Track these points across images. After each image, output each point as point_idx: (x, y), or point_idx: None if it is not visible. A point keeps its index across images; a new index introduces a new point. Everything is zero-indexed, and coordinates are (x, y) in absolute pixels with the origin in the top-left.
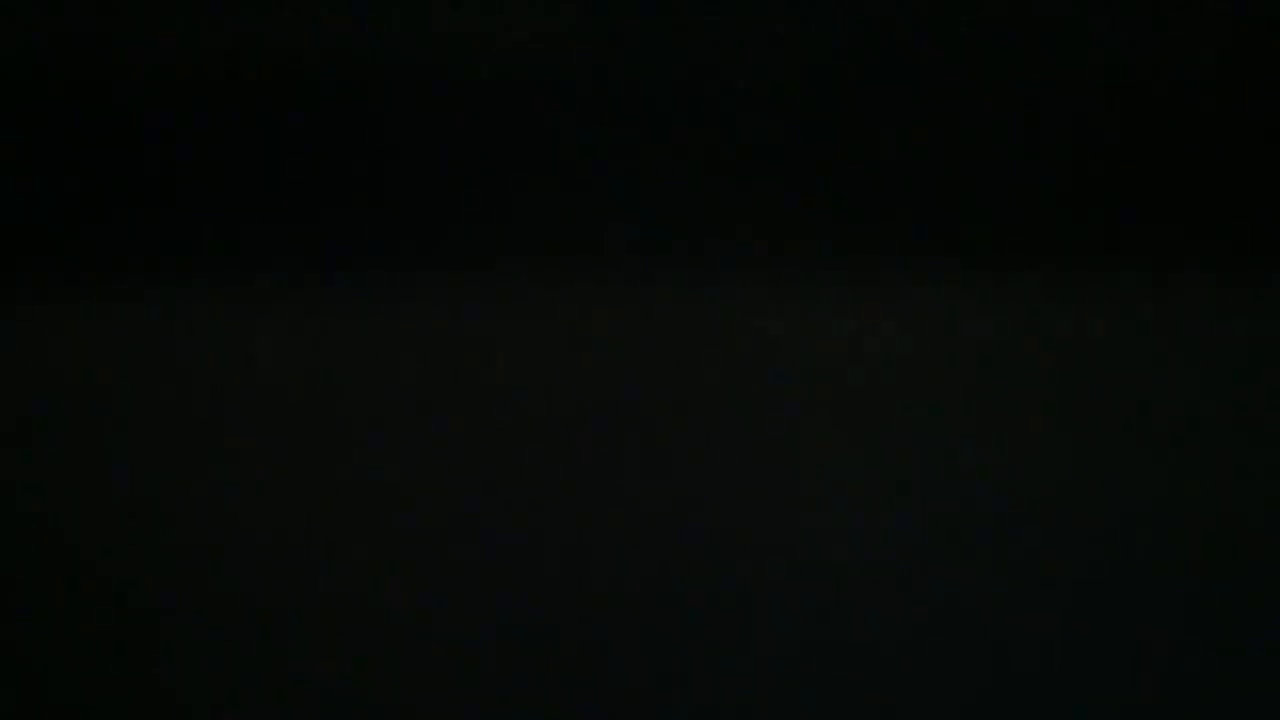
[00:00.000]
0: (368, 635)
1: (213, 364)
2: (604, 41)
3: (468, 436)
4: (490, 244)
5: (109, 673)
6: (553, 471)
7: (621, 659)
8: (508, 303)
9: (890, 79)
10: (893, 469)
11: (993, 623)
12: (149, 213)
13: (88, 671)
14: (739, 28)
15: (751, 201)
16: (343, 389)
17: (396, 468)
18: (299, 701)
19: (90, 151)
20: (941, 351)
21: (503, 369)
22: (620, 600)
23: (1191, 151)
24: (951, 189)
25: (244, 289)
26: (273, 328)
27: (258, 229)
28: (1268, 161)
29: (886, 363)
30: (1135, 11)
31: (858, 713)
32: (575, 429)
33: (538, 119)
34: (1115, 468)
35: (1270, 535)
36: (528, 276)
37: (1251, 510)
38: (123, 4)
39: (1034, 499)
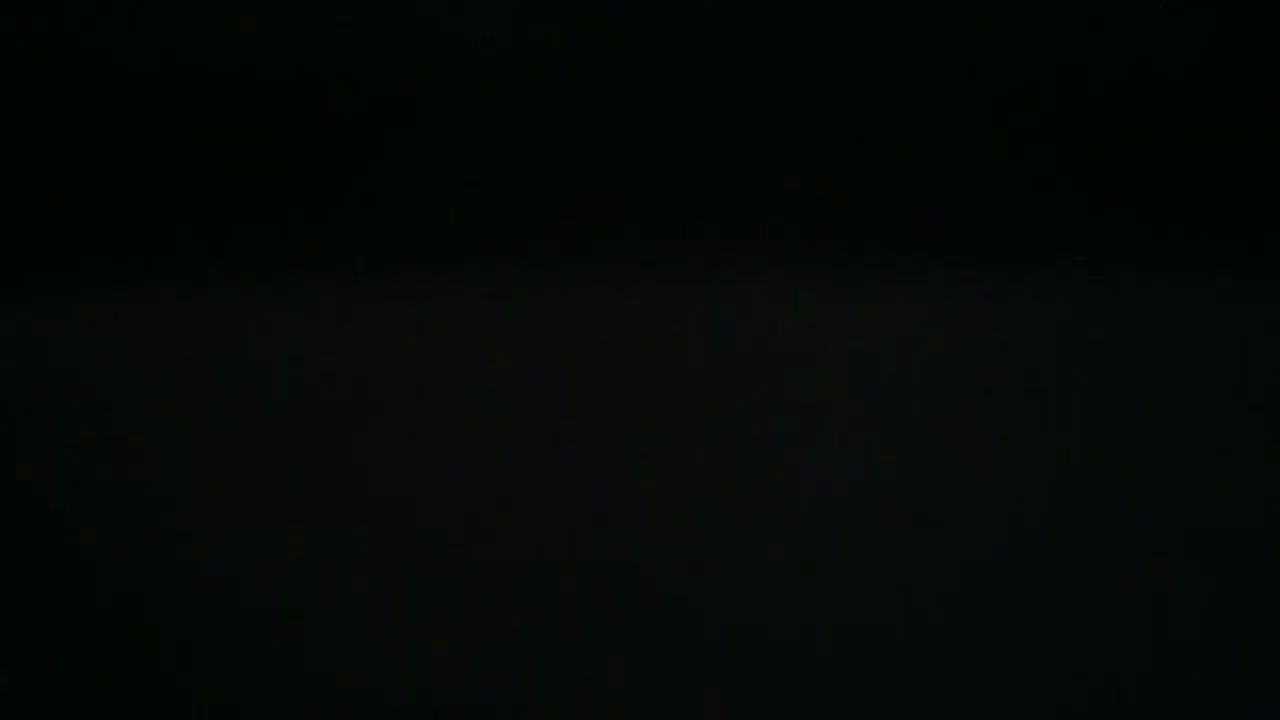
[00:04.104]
0: (365, 633)
1: (213, 364)
2: (605, 43)
3: (469, 435)
4: (491, 243)
5: (112, 672)
6: (554, 470)
7: (622, 658)
8: (508, 302)
9: (890, 79)
10: (893, 467)
11: (996, 620)
12: (148, 212)
13: (89, 671)
14: (739, 28)
15: (752, 201)
16: (344, 388)
17: (398, 468)
18: (303, 700)
19: (89, 151)
20: (942, 349)
21: (504, 368)
22: (619, 598)
23: (1192, 150)
24: (952, 188)
25: (244, 289)
26: (273, 327)
27: (258, 229)
28: (1268, 160)
29: (886, 362)
30: (1135, 10)
31: (860, 709)
32: (576, 426)
33: (538, 119)
34: (1116, 465)
35: (1271, 532)
36: (528, 276)
37: (1253, 506)
38: (124, 4)
39: (1034, 496)
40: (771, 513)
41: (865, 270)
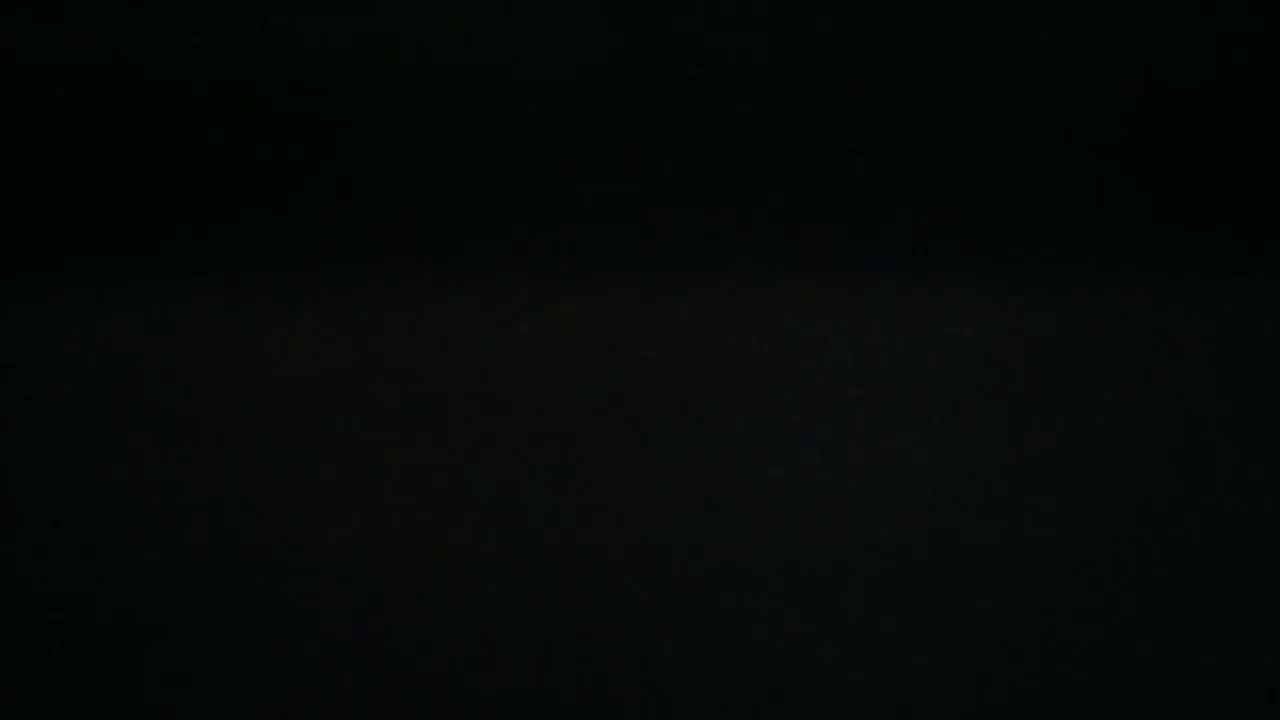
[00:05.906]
0: (365, 634)
1: (213, 364)
2: (605, 43)
3: (470, 436)
4: (491, 243)
5: (111, 673)
6: (554, 470)
7: (621, 658)
8: (509, 302)
9: (890, 79)
10: (893, 467)
11: (996, 619)
12: (148, 212)
13: (89, 671)
14: (740, 28)
15: (752, 201)
16: (344, 388)
17: (399, 468)
18: (303, 700)
19: (89, 151)
20: (943, 349)
21: (504, 368)
22: (618, 598)
23: (1192, 150)
24: (952, 188)
25: (244, 289)
26: (273, 327)
27: (258, 229)
28: (1268, 160)
29: (886, 361)
30: (1135, 12)
31: (860, 709)
32: (575, 427)
33: (539, 120)
34: (1117, 465)
35: (1271, 532)
36: (528, 276)
37: (1253, 506)
38: (124, 5)
39: (1036, 496)
40: (772, 512)
41: (865, 270)
